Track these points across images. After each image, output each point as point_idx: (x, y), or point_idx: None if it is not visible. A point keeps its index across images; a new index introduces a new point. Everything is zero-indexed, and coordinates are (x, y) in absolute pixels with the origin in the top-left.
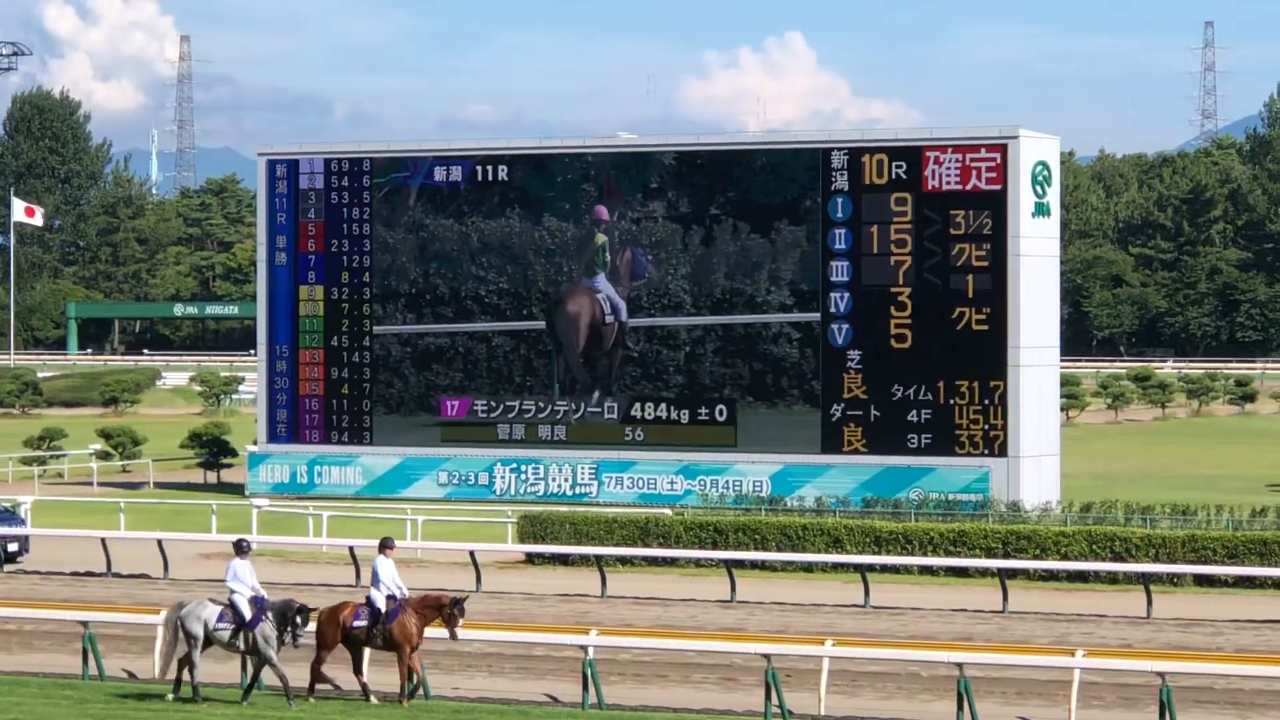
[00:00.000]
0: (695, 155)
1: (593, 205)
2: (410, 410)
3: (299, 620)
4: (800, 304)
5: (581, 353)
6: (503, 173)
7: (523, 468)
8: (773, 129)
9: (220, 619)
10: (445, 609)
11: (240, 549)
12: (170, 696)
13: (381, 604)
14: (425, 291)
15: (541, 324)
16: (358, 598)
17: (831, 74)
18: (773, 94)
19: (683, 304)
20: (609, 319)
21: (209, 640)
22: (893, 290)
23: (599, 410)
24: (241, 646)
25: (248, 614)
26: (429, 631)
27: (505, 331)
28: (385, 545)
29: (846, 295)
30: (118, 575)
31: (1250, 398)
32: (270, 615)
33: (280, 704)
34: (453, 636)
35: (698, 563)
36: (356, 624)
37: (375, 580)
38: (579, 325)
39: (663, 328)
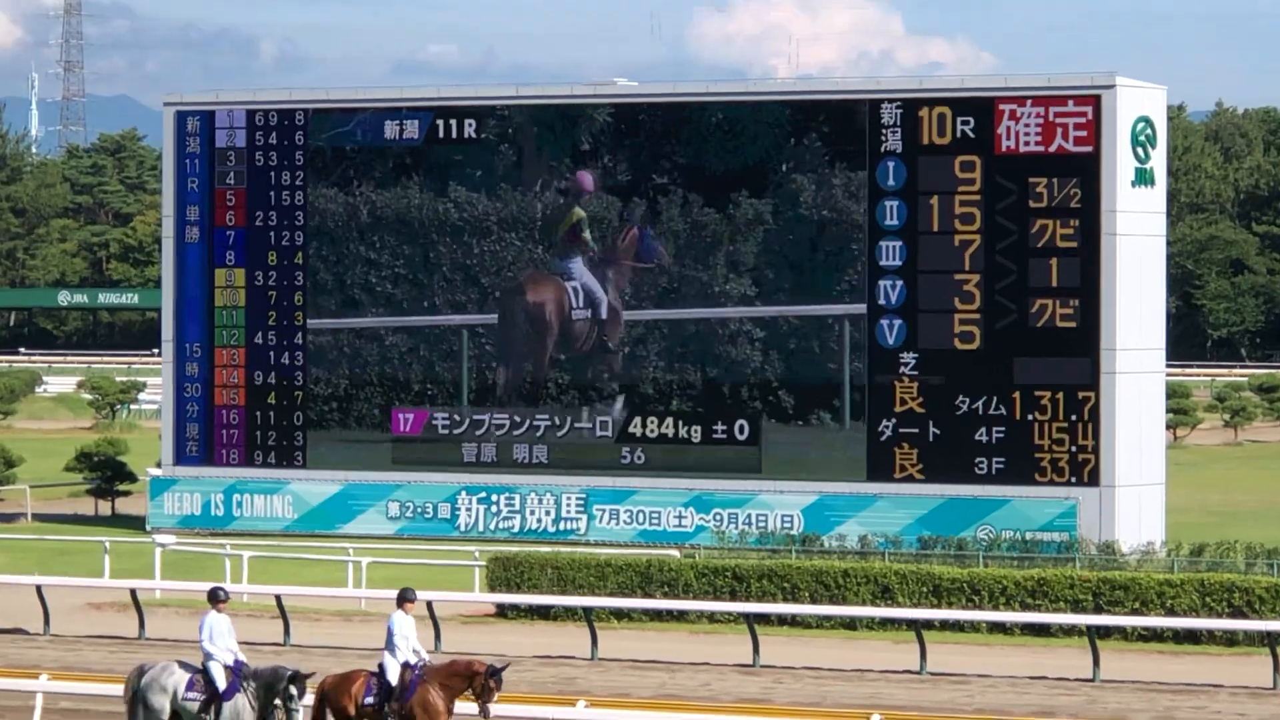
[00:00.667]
0: (709, 108)
1: (573, 171)
2: (353, 425)
3: (292, 692)
4: (841, 294)
5: (550, 355)
6: (469, 128)
7: (493, 497)
8: (807, 75)
9: (190, 687)
10: (478, 679)
11: (215, 599)
12: None
13: (395, 674)
14: (372, 277)
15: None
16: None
17: (881, 7)
18: (807, 32)
19: (691, 293)
20: (577, 313)
21: (176, 715)
22: (957, 277)
23: (589, 426)
24: None
25: (222, 683)
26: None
27: (471, 327)
28: (404, 598)
29: (899, 283)
30: None
31: None
32: (252, 687)
33: None
34: (484, 716)
35: (712, 616)
36: (367, 700)
37: (389, 643)
38: (545, 321)
39: (667, 323)
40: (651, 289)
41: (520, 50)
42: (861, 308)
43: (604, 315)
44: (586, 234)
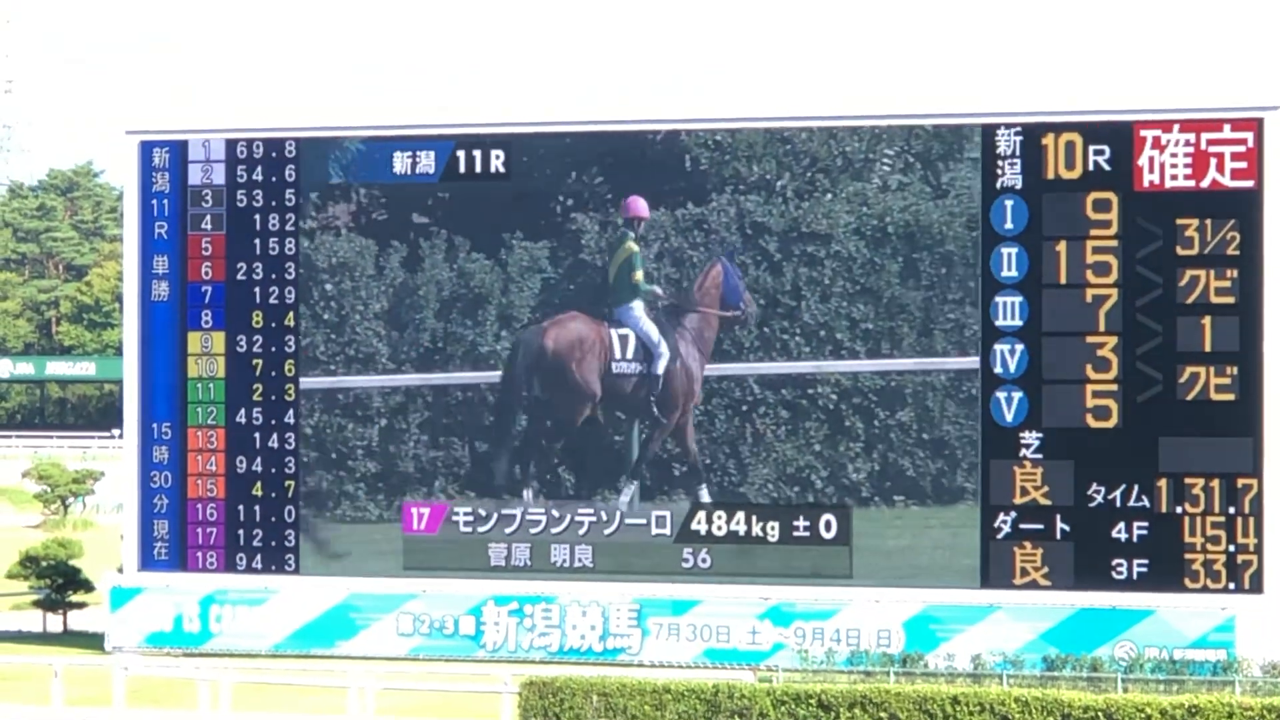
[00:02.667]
0: (787, 136)
1: (622, 197)
2: (357, 520)
3: None
4: (948, 358)
5: (584, 422)
6: (497, 161)
7: (526, 609)
8: (910, 97)
9: None
10: None
11: None
12: None
13: None
14: (378, 342)
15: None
16: None
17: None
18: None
19: (770, 347)
20: (621, 366)
21: None
22: (1089, 340)
23: (641, 521)
24: None
25: None
26: None
27: (492, 387)
28: None
29: (1019, 347)
30: None
31: None
32: None
33: None
34: None
35: None
36: None
37: None
38: (581, 378)
39: (737, 384)
40: (729, 343)
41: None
42: (974, 377)
43: (659, 371)
44: (639, 273)
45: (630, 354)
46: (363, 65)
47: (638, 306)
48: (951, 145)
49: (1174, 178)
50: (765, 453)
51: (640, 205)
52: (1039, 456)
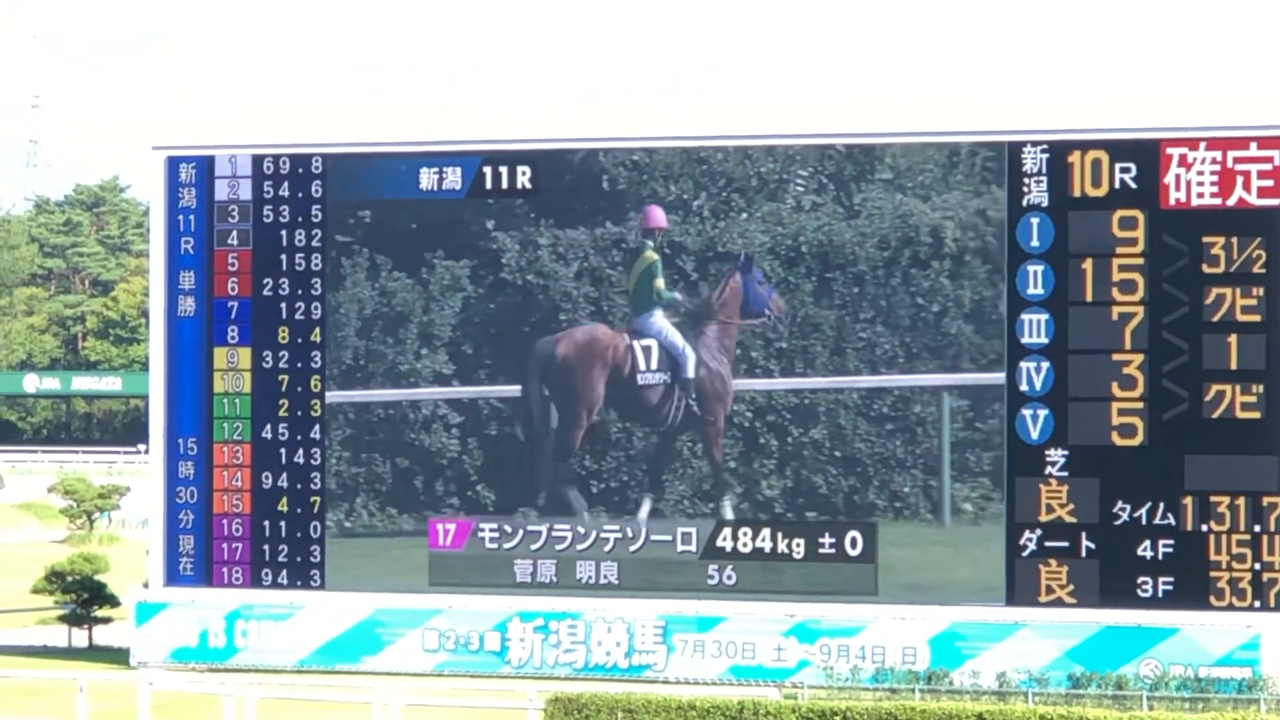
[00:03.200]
0: (812, 153)
1: (641, 208)
2: (383, 536)
3: None
4: (973, 377)
5: (602, 434)
6: (523, 177)
7: (552, 625)
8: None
9: None
10: None
11: None
12: None
13: None
14: (407, 359)
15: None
16: None
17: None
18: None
19: (798, 362)
20: (646, 377)
21: None
22: (1115, 358)
23: (666, 537)
24: None
25: None
26: None
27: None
28: None
29: (1045, 365)
30: None
31: None
32: None
33: None
34: None
35: None
36: None
37: None
38: (588, 387)
39: (763, 399)
40: (756, 353)
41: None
42: (999, 395)
43: (688, 381)
44: (660, 280)
45: (654, 364)
46: (362, 64)
47: (659, 316)
48: (976, 163)
49: (1200, 195)
50: (793, 469)
51: (659, 215)
52: (1064, 474)
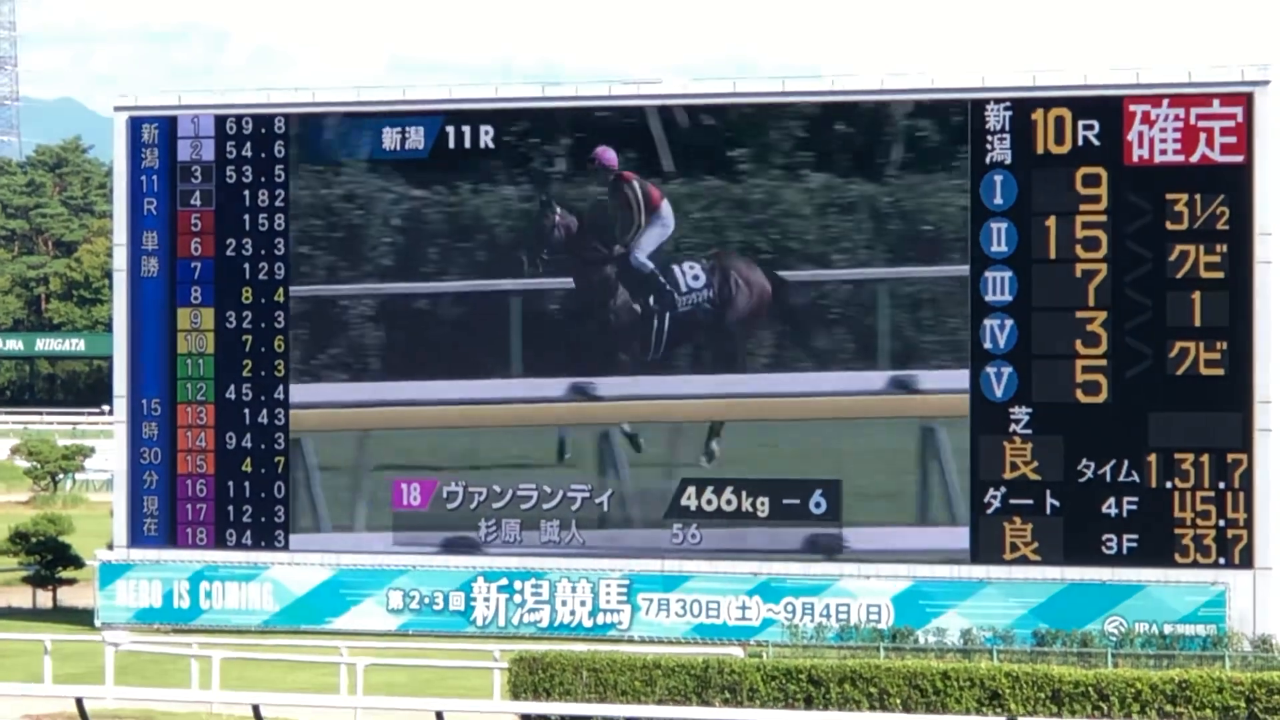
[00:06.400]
0: (778, 110)
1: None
2: (347, 498)
3: None
4: (937, 336)
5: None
6: (486, 136)
7: (516, 585)
8: (897, 73)
9: None
10: None
11: None
12: None
13: None
14: (370, 320)
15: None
16: None
17: None
18: (896, 23)
19: (741, 361)
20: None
21: None
22: (1079, 315)
23: (631, 495)
24: None
25: None
26: None
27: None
28: None
29: (1008, 323)
30: None
31: None
32: None
33: None
34: None
35: None
36: None
37: None
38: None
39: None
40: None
41: (550, 47)
42: (963, 354)
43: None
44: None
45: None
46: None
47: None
48: (940, 122)
49: (1163, 153)
50: (759, 432)
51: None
52: (1028, 432)
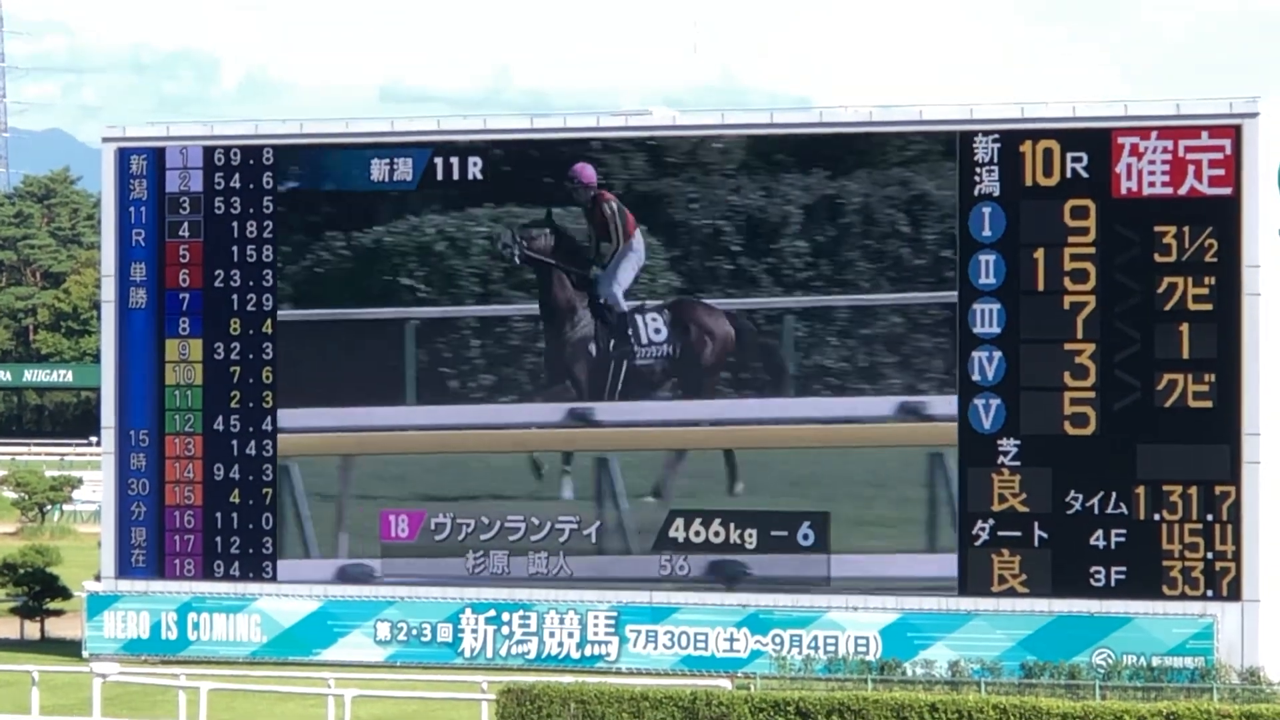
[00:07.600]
0: (767, 143)
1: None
2: (334, 530)
3: None
4: (926, 368)
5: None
6: (474, 168)
7: (504, 616)
8: (886, 105)
9: None
10: None
11: None
12: None
13: None
14: (360, 351)
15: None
16: None
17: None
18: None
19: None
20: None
21: None
22: (1067, 348)
23: (617, 527)
24: None
25: None
26: None
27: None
28: None
29: (996, 355)
30: None
31: None
32: None
33: None
34: None
35: None
36: None
37: None
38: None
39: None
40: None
41: (538, 75)
42: (950, 386)
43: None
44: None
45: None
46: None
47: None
48: (929, 154)
49: (1152, 185)
50: (748, 462)
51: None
52: (1017, 464)
